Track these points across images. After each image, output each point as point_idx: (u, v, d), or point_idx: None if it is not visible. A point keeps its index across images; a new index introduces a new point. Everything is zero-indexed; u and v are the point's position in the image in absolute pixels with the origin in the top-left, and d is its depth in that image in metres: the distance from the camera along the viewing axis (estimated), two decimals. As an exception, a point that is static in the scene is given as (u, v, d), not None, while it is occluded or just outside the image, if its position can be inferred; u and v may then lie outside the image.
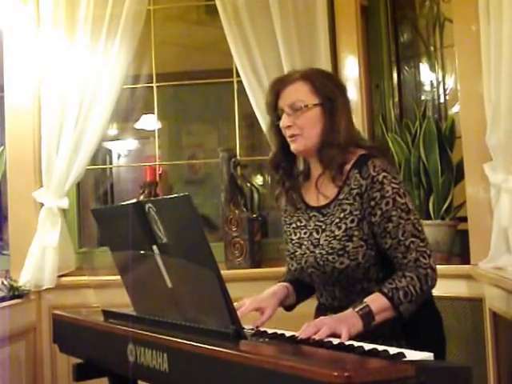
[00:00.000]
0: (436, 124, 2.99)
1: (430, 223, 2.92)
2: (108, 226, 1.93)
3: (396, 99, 3.52)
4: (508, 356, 2.51)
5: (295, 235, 1.95)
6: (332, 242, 1.81)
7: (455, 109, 3.19)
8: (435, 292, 1.85)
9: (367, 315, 1.66)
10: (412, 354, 1.38)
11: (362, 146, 1.90)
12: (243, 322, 1.56)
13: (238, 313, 1.64)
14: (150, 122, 5.05)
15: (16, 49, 3.40)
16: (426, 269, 1.74)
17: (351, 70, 3.37)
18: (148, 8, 3.53)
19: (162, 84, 3.74)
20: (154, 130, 3.97)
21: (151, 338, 1.62)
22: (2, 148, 3.48)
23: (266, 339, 1.62)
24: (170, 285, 1.64)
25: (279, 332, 1.72)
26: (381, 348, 1.44)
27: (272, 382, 1.25)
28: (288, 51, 3.22)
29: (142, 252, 1.69)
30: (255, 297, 1.93)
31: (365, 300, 1.69)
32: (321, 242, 1.85)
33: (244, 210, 3.39)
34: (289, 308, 2.03)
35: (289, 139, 1.89)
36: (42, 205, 3.35)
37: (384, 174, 1.79)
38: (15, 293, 3.18)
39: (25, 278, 3.27)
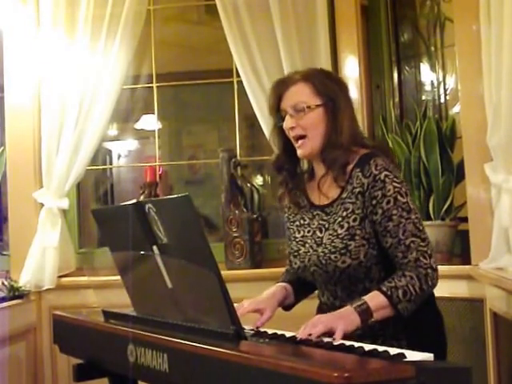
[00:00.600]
0: (436, 124, 2.99)
1: (431, 223, 2.92)
2: (108, 226, 1.93)
3: (396, 99, 3.52)
4: (508, 356, 2.51)
5: (299, 233, 1.95)
6: (335, 240, 1.81)
7: (456, 109, 3.19)
8: (436, 292, 1.85)
9: (365, 312, 1.66)
10: (412, 355, 1.38)
11: (365, 145, 1.91)
12: (243, 323, 1.56)
13: (236, 314, 1.64)
14: (150, 122, 5.04)
15: (16, 49, 3.40)
16: (426, 269, 1.73)
17: (351, 70, 3.36)
18: (148, 8, 3.53)
19: (162, 84, 3.73)
20: (154, 131, 3.96)
21: (151, 338, 1.62)
22: (2, 148, 3.48)
23: (266, 340, 1.63)
24: (170, 285, 1.64)
25: (279, 332, 1.72)
26: (381, 348, 1.44)
27: (272, 383, 1.25)
28: (288, 51, 3.22)
29: (142, 252, 1.69)
30: (254, 298, 1.93)
31: (363, 297, 1.69)
32: (324, 241, 1.85)
33: (244, 210, 3.39)
34: (287, 308, 2.03)
35: (295, 144, 1.90)
36: (42, 205, 3.34)
37: (386, 172, 1.80)
38: (15, 293, 3.18)
39: (25, 279, 3.26)
